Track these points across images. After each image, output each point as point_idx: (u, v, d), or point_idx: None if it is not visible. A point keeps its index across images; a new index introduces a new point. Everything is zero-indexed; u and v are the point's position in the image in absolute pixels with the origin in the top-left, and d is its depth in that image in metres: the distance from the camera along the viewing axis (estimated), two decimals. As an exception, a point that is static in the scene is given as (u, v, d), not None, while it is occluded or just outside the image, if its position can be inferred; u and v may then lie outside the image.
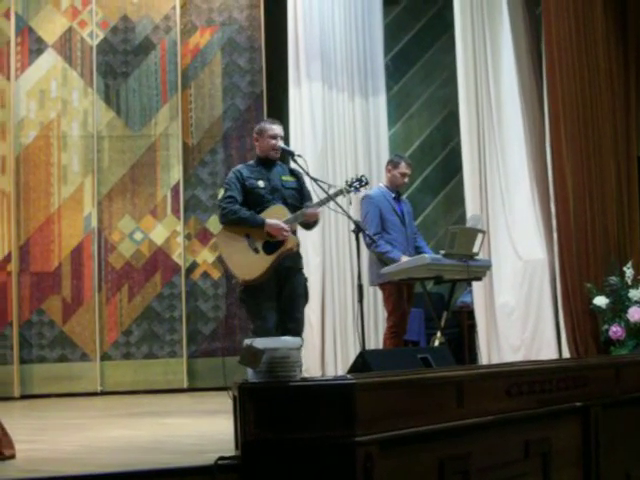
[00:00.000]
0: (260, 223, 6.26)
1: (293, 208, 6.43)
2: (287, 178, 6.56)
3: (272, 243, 6.29)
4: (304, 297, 6.51)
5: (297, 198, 6.54)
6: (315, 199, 6.59)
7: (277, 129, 6.54)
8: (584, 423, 4.60)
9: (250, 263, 6.27)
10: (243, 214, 6.31)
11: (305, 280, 6.55)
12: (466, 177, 9.01)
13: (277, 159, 6.59)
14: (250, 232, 6.29)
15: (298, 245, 6.45)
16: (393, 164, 7.76)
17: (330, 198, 6.39)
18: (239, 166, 6.63)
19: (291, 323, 6.34)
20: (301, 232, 7.22)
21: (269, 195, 6.41)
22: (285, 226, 6.26)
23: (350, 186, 6.50)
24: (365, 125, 9.68)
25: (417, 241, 7.77)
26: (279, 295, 6.35)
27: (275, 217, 6.30)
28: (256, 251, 6.28)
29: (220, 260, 6.45)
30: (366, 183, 6.61)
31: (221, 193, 6.51)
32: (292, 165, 6.77)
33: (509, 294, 8.69)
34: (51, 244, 9.23)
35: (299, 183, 6.60)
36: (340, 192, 6.46)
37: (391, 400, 3.57)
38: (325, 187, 6.43)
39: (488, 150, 8.90)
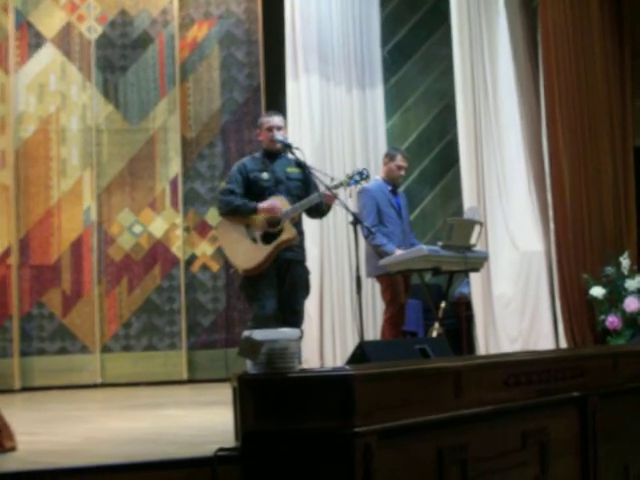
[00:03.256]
0: (252, 209, 6.34)
1: (298, 199, 6.44)
2: (292, 169, 6.57)
3: (271, 234, 6.33)
4: (305, 289, 6.53)
5: (302, 189, 6.53)
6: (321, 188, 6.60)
7: (273, 120, 6.55)
8: (581, 413, 4.61)
9: (248, 252, 6.32)
10: (236, 202, 6.38)
11: (307, 273, 6.57)
12: (463, 169, 9.01)
13: (279, 150, 6.60)
14: (250, 222, 6.35)
15: (297, 236, 6.45)
16: (390, 157, 7.79)
17: (329, 190, 6.40)
18: (244, 159, 6.68)
19: (290, 316, 6.36)
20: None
21: (273, 187, 6.44)
22: (278, 203, 6.30)
23: (350, 178, 6.50)
24: (362, 117, 9.68)
25: (411, 239, 7.78)
26: (280, 286, 6.38)
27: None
28: (254, 241, 6.33)
29: (221, 250, 6.50)
30: (367, 177, 6.59)
31: (222, 186, 6.61)
32: (299, 156, 6.76)
33: (506, 285, 8.70)
34: (51, 237, 9.24)
35: (304, 174, 6.57)
36: (340, 184, 6.47)
37: (389, 391, 3.58)
38: (326, 178, 6.46)
39: (485, 142, 8.91)
